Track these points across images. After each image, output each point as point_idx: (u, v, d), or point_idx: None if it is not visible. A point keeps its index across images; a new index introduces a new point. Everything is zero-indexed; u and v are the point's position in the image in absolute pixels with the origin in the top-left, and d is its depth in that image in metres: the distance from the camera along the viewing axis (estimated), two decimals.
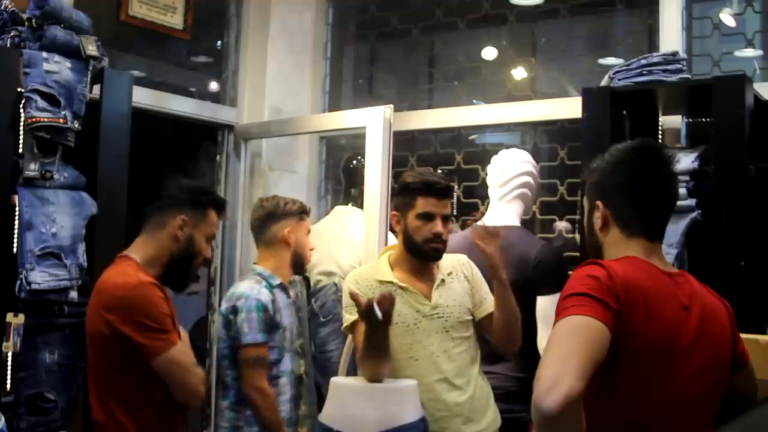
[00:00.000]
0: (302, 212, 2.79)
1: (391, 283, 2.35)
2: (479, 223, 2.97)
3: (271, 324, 2.55)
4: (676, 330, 1.50)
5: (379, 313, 2.08)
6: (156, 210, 2.23)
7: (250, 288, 2.57)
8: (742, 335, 1.87)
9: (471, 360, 2.38)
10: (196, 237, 2.22)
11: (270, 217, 2.75)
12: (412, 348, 2.32)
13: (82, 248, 2.48)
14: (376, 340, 2.16)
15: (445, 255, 2.47)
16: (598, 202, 1.66)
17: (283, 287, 2.69)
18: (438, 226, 2.33)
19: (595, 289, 1.42)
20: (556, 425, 1.25)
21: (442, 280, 2.39)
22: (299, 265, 2.79)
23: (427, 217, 2.33)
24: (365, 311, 2.10)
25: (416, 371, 2.30)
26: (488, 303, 2.44)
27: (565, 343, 1.35)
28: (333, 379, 2.36)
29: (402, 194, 2.40)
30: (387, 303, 2.10)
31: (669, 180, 1.65)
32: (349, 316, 2.33)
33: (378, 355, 2.20)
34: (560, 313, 1.41)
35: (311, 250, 2.83)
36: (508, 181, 2.91)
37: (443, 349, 2.33)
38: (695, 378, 1.51)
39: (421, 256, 2.38)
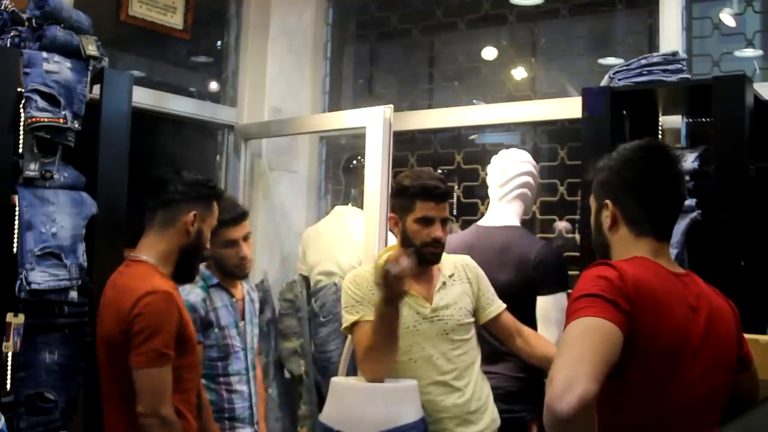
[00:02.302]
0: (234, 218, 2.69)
1: None
2: (478, 223, 2.98)
3: (202, 323, 2.54)
4: (685, 331, 1.50)
5: (399, 266, 2.04)
6: (163, 206, 2.23)
7: (183, 288, 2.52)
8: (743, 335, 1.88)
9: (471, 362, 2.38)
10: (204, 230, 2.27)
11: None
12: (412, 350, 2.32)
13: (82, 248, 2.48)
14: (387, 329, 2.15)
15: (447, 256, 2.48)
16: (608, 201, 1.65)
17: (221, 287, 2.66)
18: (437, 231, 2.32)
19: (607, 290, 1.41)
20: (570, 428, 1.24)
21: (444, 283, 2.39)
22: (222, 266, 2.67)
23: (426, 221, 2.32)
24: (383, 275, 2.06)
25: (415, 373, 2.30)
26: (495, 306, 2.44)
27: (578, 345, 1.34)
28: (333, 379, 2.36)
29: (400, 197, 2.38)
30: (405, 258, 2.07)
31: (678, 179, 1.66)
32: (349, 316, 2.32)
33: (384, 354, 2.20)
34: (572, 314, 1.40)
35: (242, 258, 2.69)
36: (508, 181, 2.91)
37: (442, 352, 2.33)
38: (703, 378, 1.51)
39: (419, 260, 2.35)
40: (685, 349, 1.49)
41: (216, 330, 2.58)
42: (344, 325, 2.35)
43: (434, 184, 2.34)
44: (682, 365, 1.48)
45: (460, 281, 2.42)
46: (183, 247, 2.23)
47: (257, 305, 2.88)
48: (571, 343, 1.35)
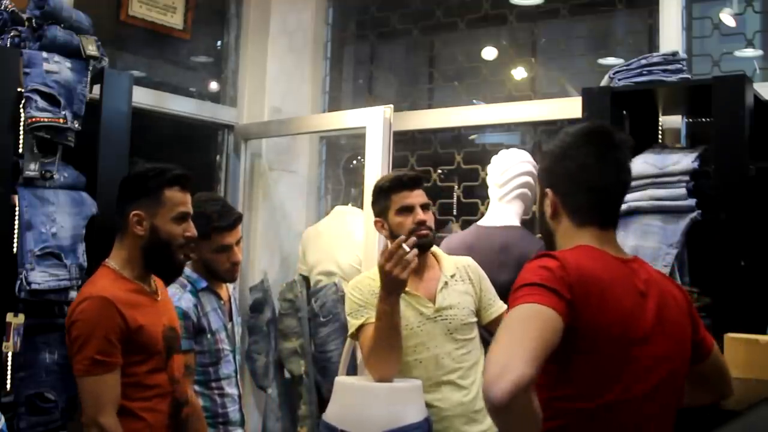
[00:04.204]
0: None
1: None
2: (478, 223, 2.98)
3: (195, 330, 2.47)
4: (634, 317, 1.48)
5: (407, 248, 2.07)
6: (116, 211, 2.18)
7: (173, 294, 2.43)
8: (743, 335, 1.87)
9: (475, 361, 2.39)
10: (160, 225, 2.11)
11: None
12: (416, 350, 2.32)
13: (82, 248, 2.48)
14: (388, 325, 2.16)
15: (448, 256, 2.49)
16: (548, 190, 1.62)
17: (210, 290, 2.57)
18: (419, 215, 2.35)
19: (548, 279, 1.39)
20: (506, 414, 1.20)
21: (446, 283, 2.39)
22: (213, 270, 2.58)
23: (406, 209, 2.36)
24: (389, 258, 2.09)
25: (421, 373, 2.31)
26: (497, 306, 2.45)
27: (516, 330, 1.31)
28: (337, 379, 2.37)
29: (377, 200, 2.43)
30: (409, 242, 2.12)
31: (620, 165, 1.59)
32: (355, 321, 2.32)
33: (387, 352, 2.21)
34: (512, 303, 1.38)
35: (235, 263, 2.60)
36: (508, 181, 2.91)
37: (447, 351, 2.34)
38: (655, 365, 1.49)
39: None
40: (634, 336, 1.46)
41: (208, 336, 2.51)
42: (350, 330, 2.35)
43: (402, 173, 2.43)
44: (632, 352, 1.46)
45: (462, 281, 2.43)
46: (142, 248, 2.12)
47: (238, 302, 2.84)
48: (508, 329, 1.32)
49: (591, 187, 1.57)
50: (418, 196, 2.38)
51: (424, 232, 2.35)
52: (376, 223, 2.45)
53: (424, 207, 2.38)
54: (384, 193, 2.40)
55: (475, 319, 2.42)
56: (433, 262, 2.46)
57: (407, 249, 2.09)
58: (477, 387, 2.35)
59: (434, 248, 2.50)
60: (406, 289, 2.32)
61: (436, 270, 2.43)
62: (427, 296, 2.36)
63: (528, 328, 1.31)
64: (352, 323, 2.34)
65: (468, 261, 2.51)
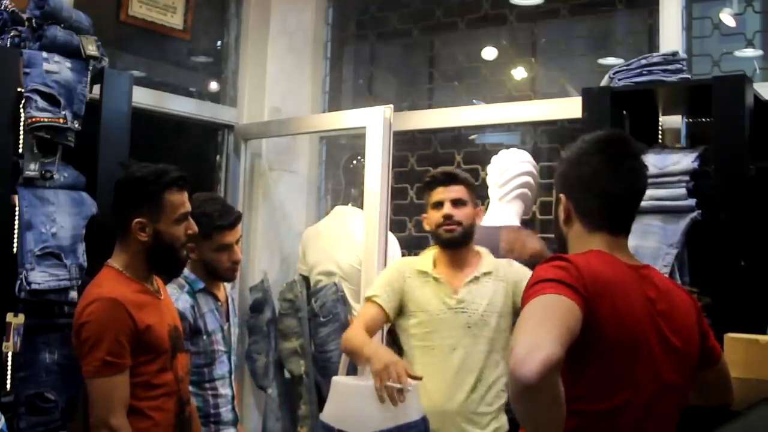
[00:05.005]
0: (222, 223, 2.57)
1: (426, 272, 2.46)
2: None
3: (191, 331, 2.46)
4: (644, 322, 1.49)
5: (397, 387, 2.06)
6: (115, 215, 2.18)
7: (170, 295, 2.41)
8: (743, 335, 1.87)
9: (493, 363, 2.38)
10: (162, 229, 2.12)
11: None
12: (431, 336, 2.38)
13: (82, 248, 2.48)
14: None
15: (492, 258, 2.52)
16: (561, 195, 1.64)
17: (207, 291, 2.56)
18: (446, 209, 2.44)
19: (564, 276, 1.39)
20: (535, 394, 1.19)
21: (476, 277, 2.44)
22: (213, 270, 2.57)
23: (438, 205, 2.47)
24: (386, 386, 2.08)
25: (431, 359, 2.36)
26: None
27: (540, 316, 1.31)
28: (334, 379, 2.37)
29: (422, 197, 2.63)
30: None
31: (633, 173, 1.61)
32: (368, 291, 2.47)
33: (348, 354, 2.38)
34: (528, 297, 1.37)
35: (235, 262, 2.60)
36: (508, 181, 2.91)
37: (463, 345, 2.37)
38: (663, 371, 1.50)
39: (442, 244, 2.48)
40: (644, 340, 1.47)
41: (204, 337, 2.51)
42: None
43: (439, 170, 2.54)
44: (642, 355, 1.47)
45: (495, 280, 2.46)
46: (145, 250, 2.14)
47: (237, 303, 2.84)
48: (531, 315, 1.32)
49: (602, 193, 1.59)
50: (450, 192, 2.47)
51: (449, 226, 2.43)
52: (423, 219, 2.59)
53: (456, 202, 2.45)
54: (425, 189, 2.55)
55: (498, 320, 2.41)
56: (474, 259, 2.51)
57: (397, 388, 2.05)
58: (484, 389, 2.35)
59: (479, 247, 2.54)
60: (436, 276, 2.44)
61: (472, 263, 2.49)
62: (454, 287, 2.43)
63: (551, 315, 1.30)
64: (366, 292, 2.49)
65: (509, 262, 2.55)
